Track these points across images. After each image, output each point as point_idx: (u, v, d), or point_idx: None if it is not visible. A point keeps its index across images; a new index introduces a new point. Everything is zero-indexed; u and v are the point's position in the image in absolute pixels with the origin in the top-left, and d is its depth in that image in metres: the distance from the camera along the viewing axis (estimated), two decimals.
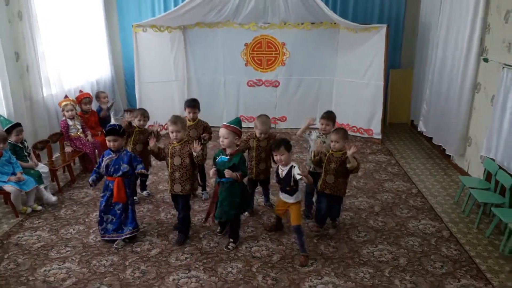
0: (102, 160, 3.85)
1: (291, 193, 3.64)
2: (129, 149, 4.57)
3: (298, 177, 3.51)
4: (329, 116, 4.22)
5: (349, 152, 3.64)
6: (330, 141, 3.88)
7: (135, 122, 4.69)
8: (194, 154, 3.70)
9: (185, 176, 3.81)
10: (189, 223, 4.07)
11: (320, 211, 4.03)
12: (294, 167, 3.58)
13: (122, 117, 8.37)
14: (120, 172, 3.81)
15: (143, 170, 3.84)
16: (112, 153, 3.84)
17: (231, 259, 3.68)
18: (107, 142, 3.83)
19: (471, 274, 3.48)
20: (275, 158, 3.64)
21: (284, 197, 3.71)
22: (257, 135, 4.16)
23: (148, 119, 4.80)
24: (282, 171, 3.64)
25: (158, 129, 4.88)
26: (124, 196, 3.84)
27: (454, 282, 3.38)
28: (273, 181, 4.19)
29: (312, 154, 3.92)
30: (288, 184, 3.60)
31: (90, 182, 3.87)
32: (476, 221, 4.26)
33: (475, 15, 5.12)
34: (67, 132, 5.42)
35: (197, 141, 3.89)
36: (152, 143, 3.93)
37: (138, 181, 4.80)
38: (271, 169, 4.34)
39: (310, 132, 4.35)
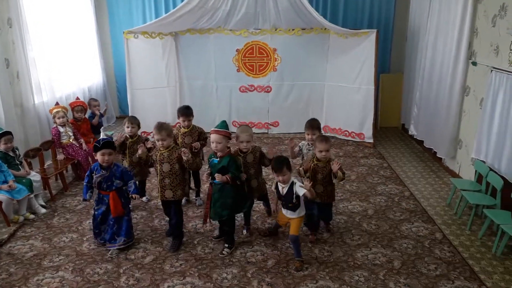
0: (90, 174, 3.78)
1: (293, 209, 3.65)
2: (126, 162, 4.53)
3: (301, 193, 3.51)
4: (313, 125, 4.16)
5: (335, 168, 3.67)
6: (316, 151, 3.82)
7: (125, 131, 4.56)
8: (184, 158, 3.70)
9: (175, 182, 3.81)
10: (182, 228, 4.05)
11: (312, 218, 4.02)
12: (295, 183, 3.56)
13: (114, 124, 8.34)
14: (114, 188, 3.79)
15: (136, 195, 3.80)
16: (103, 170, 3.75)
17: (226, 265, 3.67)
18: (99, 156, 3.70)
19: (465, 275, 3.51)
20: (277, 179, 3.61)
21: (286, 213, 3.72)
22: (241, 147, 3.88)
23: (139, 126, 4.67)
24: (283, 188, 3.62)
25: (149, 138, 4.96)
26: (121, 208, 3.82)
27: (448, 284, 3.41)
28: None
29: (303, 171, 3.87)
30: (290, 201, 3.60)
31: (87, 198, 3.82)
32: (469, 222, 4.30)
33: (463, 19, 5.21)
34: (58, 139, 5.37)
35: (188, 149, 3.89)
36: (141, 150, 3.92)
37: None
38: (266, 185, 4.23)
39: (300, 148, 4.28)
